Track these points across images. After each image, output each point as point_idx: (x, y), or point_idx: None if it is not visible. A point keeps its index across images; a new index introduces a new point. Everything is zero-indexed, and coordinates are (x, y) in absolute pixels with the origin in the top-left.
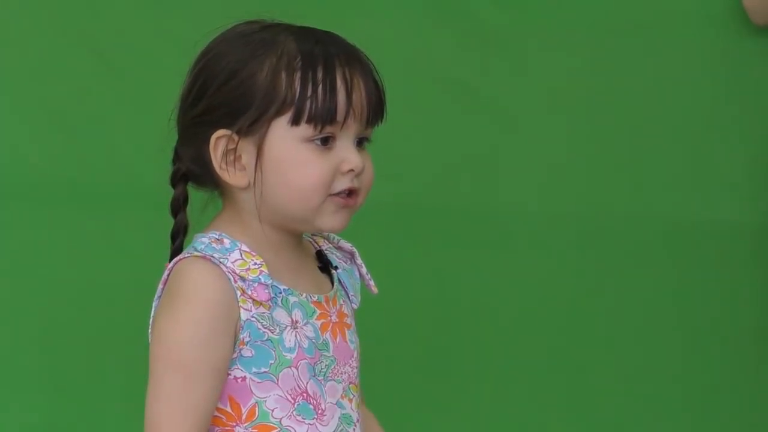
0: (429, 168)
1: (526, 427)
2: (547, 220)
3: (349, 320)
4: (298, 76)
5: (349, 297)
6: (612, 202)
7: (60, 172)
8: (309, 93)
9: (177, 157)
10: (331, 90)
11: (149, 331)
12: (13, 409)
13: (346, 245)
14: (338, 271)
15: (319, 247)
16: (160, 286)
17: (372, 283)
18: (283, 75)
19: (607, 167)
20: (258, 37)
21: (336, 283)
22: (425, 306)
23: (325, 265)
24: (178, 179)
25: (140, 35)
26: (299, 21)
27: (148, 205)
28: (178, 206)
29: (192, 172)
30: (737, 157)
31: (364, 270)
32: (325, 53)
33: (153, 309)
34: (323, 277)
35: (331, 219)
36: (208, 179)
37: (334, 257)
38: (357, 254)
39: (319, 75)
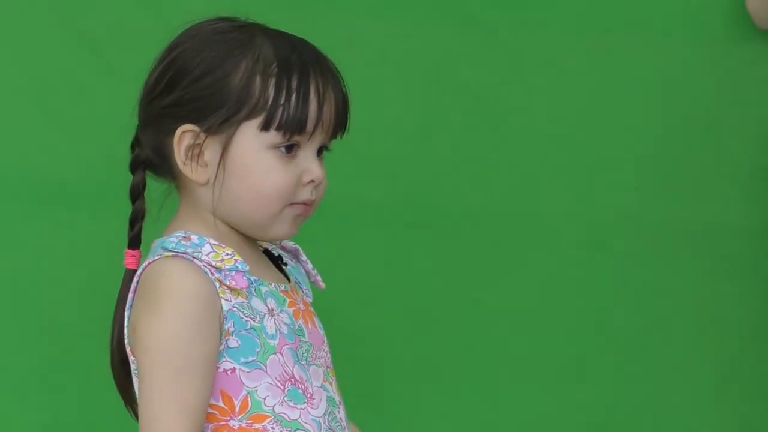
0: (428, 168)
1: (525, 427)
2: (547, 220)
3: (312, 309)
4: (272, 82)
5: (303, 291)
6: (612, 202)
7: (60, 172)
8: (282, 101)
9: (137, 143)
10: (304, 100)
11: (126, 341)
12: (13, 409)
13: (289, 244)
14: (288, 267)
15: (264, 247)
16: (130, 294)
17: (319, 278)
18: (258, 79)
19: (607, 167)
20: (234, 37)
21: (292, 277)
22: (423, 306)
23: (275, 262)
24: (138, 165)
25: (140, 35)
26: (299, 21)
27: (148, 205)
28: (137, 193)
29: (151, 161)
30: (738, 158)
31: (309, 266)
32: (301, 62)
33: (126, 318)
34: (278, 272)
35: (284, 226)
36: (166, 170)
37: (282, 255)
38: (301, 251)
39: (294, 84)
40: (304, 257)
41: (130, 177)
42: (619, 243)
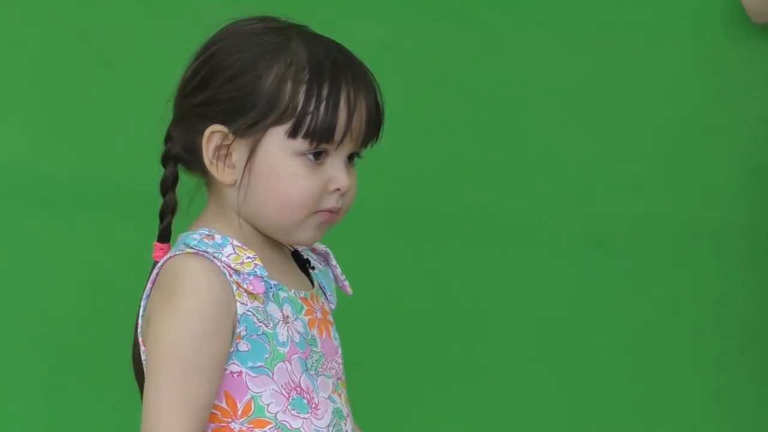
0: (428, 168)
1: (525, 428)
2: (547, 220)
3: (330, 318)
4: (303, 89)
5: (327, 297)
6: (611, 201)
7: (59, 172)
8: (311, 108)
9: (169, 138)
10: (333, 109)
11: (139, 330)
12: (13, 409)
13: (320, 247)
14: (315, 271)
15: (294, 248)
16: (149, 285)
17: (347, 284)
18: (289, 85)
19: (607, 167)
20: (269, 40)
21: (315, 282)
22: (424, 306)
23: (302, 265)
24: (169, 160)
25: (140, 35)
26: (299, 21)
27: (148, 205)
28: (167, 186)
29: (181, 156)
30: (737, 157)
31: (338, 271)
32: (333, 69)
33: (142, 308)
34: (303, 276)
35: (308, 232)
36: (197, 167)
37: (310, 258)
38: (331, 255)
39: (324, 92)
40: (333, 261)
41: (131, 177)
42: (619, 243)
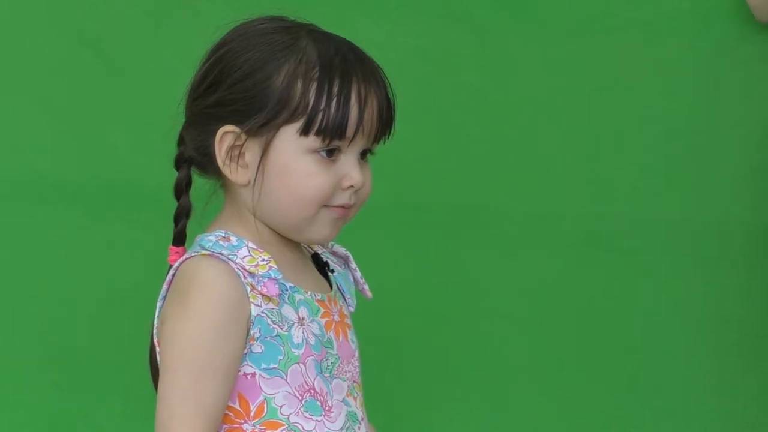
0: (428, 168)
1: (526, 428)
2: (547, 220)
3: (348, 321)
4: (313, 86)
5: (345, 300)
6: (612, 202)
7: (60, 172)
8: (322, 105)
9: (181, 141)
10: (345, 105)
11: (154, 331)
12: (13, 409)
13: (340, 250)
14: (334, 274)
15: (314, 251)
16: (165, 286)
17: (366, 287)
18: (299, 83)
19: (607, 167)
20: (278, 39)
21: (334, 285)
22: (425, 306)
23: (321, 267)
24: (182, 163)
25: (141, 35)
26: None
27: (148, 205)
28: (181, 189)
29: (195, 159)
30: (738, 157)
31: (358, 274)
32: (343, 66)
33: (157, 309)
34: (322, 279)
35: (322, 229)
36: (211, 169)
37: (330, 261)
38: (351, 258)
39: (335, 88)
40: (353, 265)
41: (132, 177)
42: (619, 243)
